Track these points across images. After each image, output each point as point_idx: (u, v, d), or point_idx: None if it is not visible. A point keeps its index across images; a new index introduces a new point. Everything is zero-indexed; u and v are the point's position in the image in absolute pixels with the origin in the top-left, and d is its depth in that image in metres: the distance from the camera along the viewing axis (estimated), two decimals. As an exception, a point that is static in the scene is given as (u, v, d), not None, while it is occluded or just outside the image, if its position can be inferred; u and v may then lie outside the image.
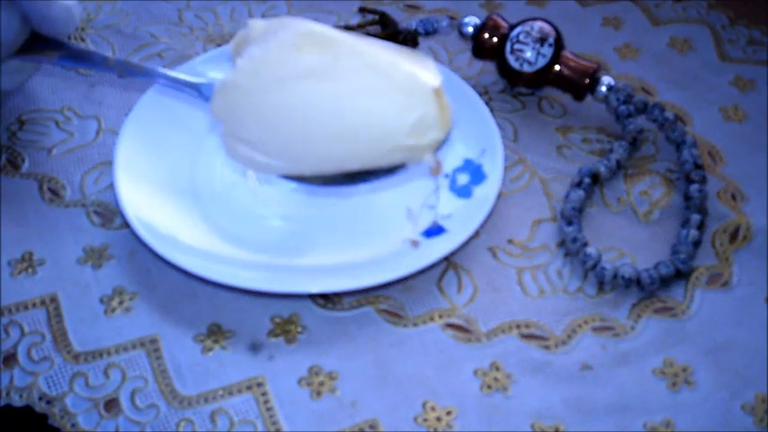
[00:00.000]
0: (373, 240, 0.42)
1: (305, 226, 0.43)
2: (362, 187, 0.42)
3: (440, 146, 0.39)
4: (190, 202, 0.43)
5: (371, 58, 0.38)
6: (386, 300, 0.41)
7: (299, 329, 0.40)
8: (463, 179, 0.44)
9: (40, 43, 0.41)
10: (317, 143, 0.38)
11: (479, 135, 0.45)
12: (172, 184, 0.44)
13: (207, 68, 0.47)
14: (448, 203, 0.43)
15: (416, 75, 0.38)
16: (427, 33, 0.51)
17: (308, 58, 0.37)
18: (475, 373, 0.38)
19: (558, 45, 0.48)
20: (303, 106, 0.37)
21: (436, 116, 0.38)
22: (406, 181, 0.44)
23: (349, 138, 0.38)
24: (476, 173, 0.44)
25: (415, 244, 0.41)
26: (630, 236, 0.43)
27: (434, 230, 0.42)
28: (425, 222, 0.43)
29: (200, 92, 0.42)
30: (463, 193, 0.43)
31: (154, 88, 0.46)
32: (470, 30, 0.50)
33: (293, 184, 0.41)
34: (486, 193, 0.43)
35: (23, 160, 0.46)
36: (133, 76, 0.43)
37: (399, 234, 0.42)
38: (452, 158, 0.45)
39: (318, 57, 0.37)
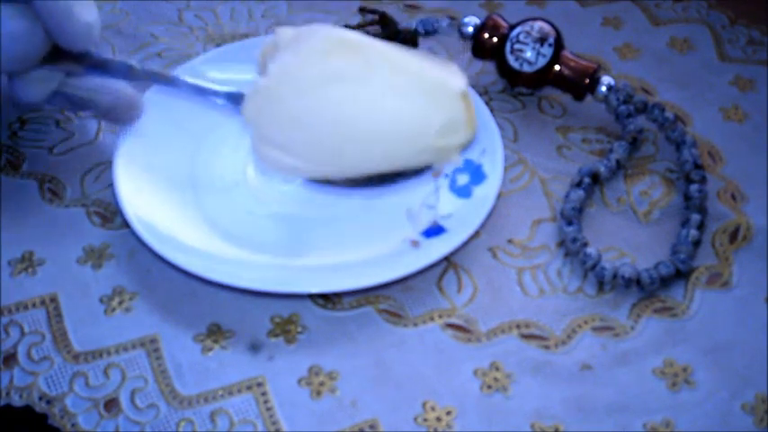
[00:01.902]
0: (373, 240, 0.42)
1: (305, 226, 0.43)
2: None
3: (466, 147, 0.40)
4: (190, 202, 0.43)
5: (400, 62, 0.39)
6: (386, 300, 0.41)
7: (299, 329, 0.40)
8: (463, 179, 0.44)
9: (65, 52, 0.41)
10: (348, 146, 0.39)
11: (479, 135, 0.45)
12: (172, 184, 0.44)
13: (207, 68, 0.47)
14: (448, 203, 0.43)
15: (444, 78, 0.39)
16: (427, 33, 0.51)
17: (338, 63, 0.38)
18: (475, 373, 0.38)
19: (558, 45, 0.48)
20: (334, 110, 0.38)
21: (464, 118, 0.39)
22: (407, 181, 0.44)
23: (379, 140, 0.39)
24: (476, 173, 0.44)
25: (415, 244, 0.41)
26: (630, 236, 0.43)
27: (434, 230, 0.42)
28: (425, 222, 0.43)
29: (229, 100, 0.42)
30: (463, 192, 0.43)
31: (154, 88, 0.46)
32: (470, 30, 0.50)
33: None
34: (486, 192, 0.43)
35: (24, 160, 0.46)
36: (159, 84, 0.43)
37: (399, 234, 0.42)
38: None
39: (348, 62, 0.38)
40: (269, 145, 0.40)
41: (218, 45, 0.52)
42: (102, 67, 0.42)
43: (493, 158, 0.44)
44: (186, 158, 0.45)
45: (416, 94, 0.39)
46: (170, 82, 0.43)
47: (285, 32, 0.40)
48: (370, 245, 0.42)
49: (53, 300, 0.40)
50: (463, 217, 0.42)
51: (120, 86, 0.43)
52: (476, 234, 0.42)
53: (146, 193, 0.42)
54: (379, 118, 0.38)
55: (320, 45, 0.39)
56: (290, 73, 0.39)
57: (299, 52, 0.39)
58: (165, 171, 0.44)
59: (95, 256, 0.42)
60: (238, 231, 0.42)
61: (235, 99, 0.42)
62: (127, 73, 0.42)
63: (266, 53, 0.41)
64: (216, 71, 0.47)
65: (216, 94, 0.43)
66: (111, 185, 0.43)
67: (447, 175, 0.44)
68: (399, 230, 0.42)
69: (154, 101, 0.46)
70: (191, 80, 0.43)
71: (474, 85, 0.48)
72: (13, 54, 0.39)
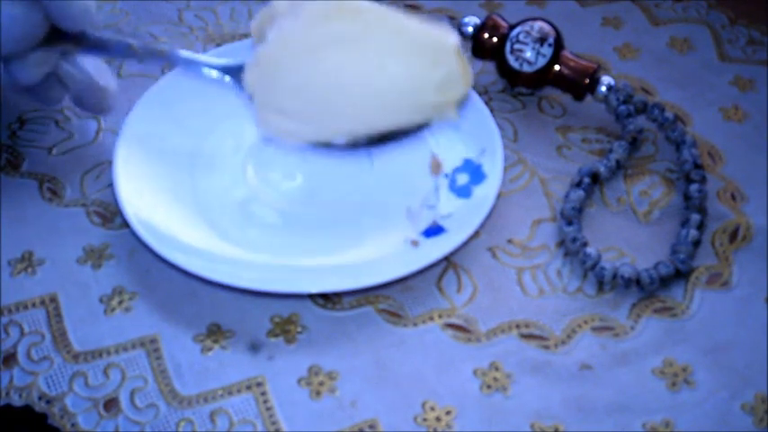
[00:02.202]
0: (373, 240, 0.42)
1: (305, 226, 0.43)
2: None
3: (463, 102, 0.40)
4: (189, 202, 0.43)
5: (398, 21, 0.39)
6: (386, 300, 0.41)
7: (299, 329, 0.40)
8: (463, 179, 0.44)
9: (62, 34, 0.41)
10: (349, 105, 0.39)
11: (479, 135, 0.45)
12: (172, 183, 0.44)
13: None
14: (448, 203, 0.43)
15: (439, 36, 0.39)
16: (427, 33, 0.51)
17: (337, 26, 0.38)
18: (475, 373, 0.38)
19: (558, 45, 0.48)
20: (334, 71, 0.39)
21: (459, 72, 0.39)
22: (406, 181, 0.44)
23: (379, 97, 0.39)
24: (475, 173, 0.44)
25: (414, 244, 0.41)
26: (630, 236, 0.43)
27: (434, 230, 0.42)
28: (425, 222, 0.43)
29: (228, 72, 0.42)
30: (463, 192, 0.43)
31: (153, 88, 0.46)
32: (470, 30, 0.50)
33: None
34: (486, 192, 0.43)
35: (23, 160, 0.46)
36: (156, 61, 0.43)
37: (399, 234, 0.42)
38: (452, 158, 0.45)
39: (347, 24, 0.38)
40: (271, 111, 0.40)
41: (218, 45, 0.52)
42: (100, 46, 0.42)
43: (493, 158, 0.44)
44: (186, 158, 0.45)
45: (414, 51, 0.39)
46: (169, 59, 0.43)
47: (280, 2, 0.40)
48: (370, 245, 0.42)
49: (53, 300, 0.40)
50: (463, 217, 0.42)
51: (94, 75, 0.44)
52: (475, 234, 0.42)
53: (146, 193, 0.42)
54: (379, 76, 0.39)
55: (318, 10, 0.39)
56: (290, 38, 0.39)
57: (297, 18, 0.39)
58: (165, 171, 0.44)
59: (95, 256, 0.42)
60: (238, 231, 0.42)
61: (234, 71, 0.42)
62: (126, 51, 0.42)
63: (263, 22, 0.41)
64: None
65: (214, 67, 0.42)
66: (110, 185, 0.43)
67: (447, 175, 0.44)
68: (399, 230, 0.42)
69: (154, 101, 0.46)
70: (188, 55, 0.43)
71: (474, 86, 0.48)
72: (13, 36, 0.39)
